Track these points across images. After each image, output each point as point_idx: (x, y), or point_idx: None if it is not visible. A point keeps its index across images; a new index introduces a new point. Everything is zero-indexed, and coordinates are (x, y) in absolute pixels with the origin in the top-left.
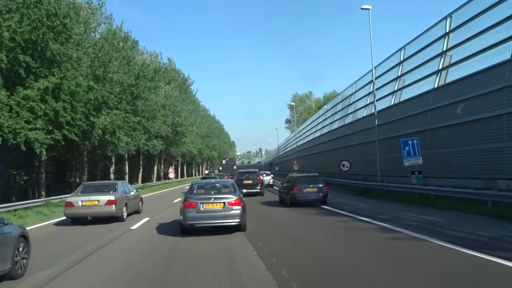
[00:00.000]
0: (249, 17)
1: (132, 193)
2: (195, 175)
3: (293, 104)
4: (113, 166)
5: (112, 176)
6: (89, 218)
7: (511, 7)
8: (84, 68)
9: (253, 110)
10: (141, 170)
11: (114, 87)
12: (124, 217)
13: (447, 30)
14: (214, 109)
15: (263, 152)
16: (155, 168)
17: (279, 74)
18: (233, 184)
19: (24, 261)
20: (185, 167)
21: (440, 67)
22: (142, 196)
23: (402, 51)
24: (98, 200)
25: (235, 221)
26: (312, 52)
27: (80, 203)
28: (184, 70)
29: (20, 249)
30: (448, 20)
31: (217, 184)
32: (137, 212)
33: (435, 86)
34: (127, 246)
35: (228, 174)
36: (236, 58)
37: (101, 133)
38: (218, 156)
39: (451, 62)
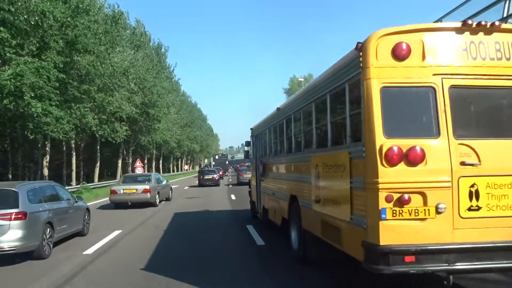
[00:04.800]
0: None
1: (163, 183)
2: (173, 171)
3: (300, 80)
4: (48, 156)
5: (46, 172)
6: (129, 203)
7: None
8: None
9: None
10: (98, 164)
11: (31, 17)
12: (157, 203)
13: None
14: (195, 97)
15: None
16: (119, 162)
17: (271, 59)
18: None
19: (88, 225)
20: (160, 162)
21: None
22: None
23: None
24: (136, 189)
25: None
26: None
27: (122, 191)
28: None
29: (86, 217)
30: None
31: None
32: (167, 199)
33: None
34: None
35: (220, 168)
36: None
37: None
38: (200, 150)
39: None
